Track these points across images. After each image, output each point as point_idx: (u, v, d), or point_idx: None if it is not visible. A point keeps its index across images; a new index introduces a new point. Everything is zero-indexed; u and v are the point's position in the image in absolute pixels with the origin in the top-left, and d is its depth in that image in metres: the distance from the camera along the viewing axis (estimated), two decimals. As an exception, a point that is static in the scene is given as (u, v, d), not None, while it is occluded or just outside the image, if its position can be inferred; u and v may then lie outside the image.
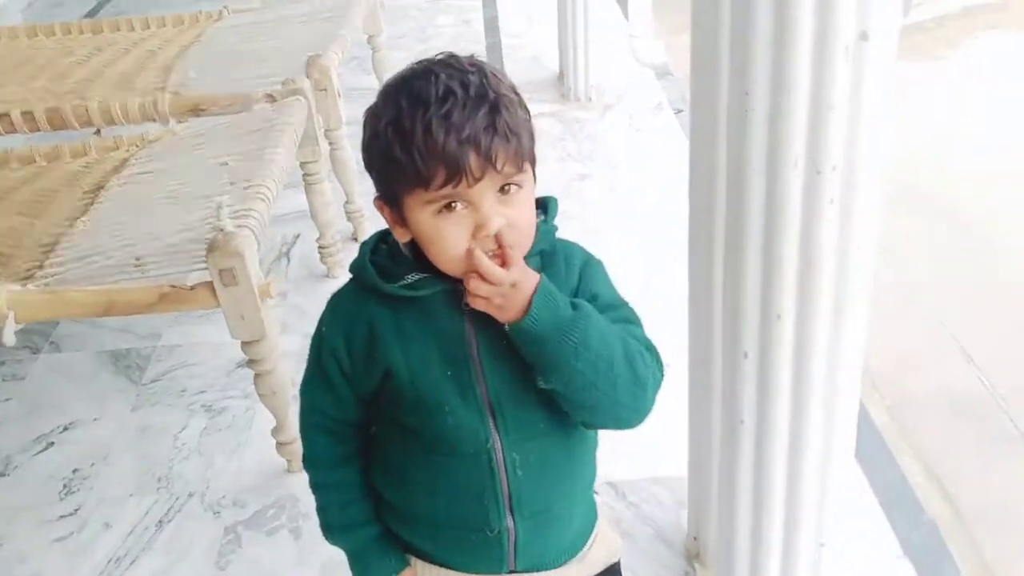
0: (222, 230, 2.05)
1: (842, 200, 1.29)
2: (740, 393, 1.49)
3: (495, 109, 1.04)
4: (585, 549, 1.35)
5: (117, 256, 2.20)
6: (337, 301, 1.22)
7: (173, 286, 2.06)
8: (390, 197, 1.10)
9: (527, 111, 1.13)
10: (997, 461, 2.29)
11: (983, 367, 2.61)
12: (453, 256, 1.07)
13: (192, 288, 2.05)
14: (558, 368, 1.09)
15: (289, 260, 3.24)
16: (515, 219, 1.08)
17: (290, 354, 2.66)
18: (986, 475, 2.25)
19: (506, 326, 1.09)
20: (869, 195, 1.31)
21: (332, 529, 1.32)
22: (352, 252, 3.28)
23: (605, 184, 3.51)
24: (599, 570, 1.38)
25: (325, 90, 2.96)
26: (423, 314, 1.14)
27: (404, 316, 1.15)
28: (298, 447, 2.31)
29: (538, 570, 1.29)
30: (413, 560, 1.32)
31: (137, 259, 2.19)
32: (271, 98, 2.83)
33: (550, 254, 1.18)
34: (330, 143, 3.09)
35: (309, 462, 1.30)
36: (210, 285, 2.04)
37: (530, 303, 1.07)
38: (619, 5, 5.12)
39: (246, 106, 2.82)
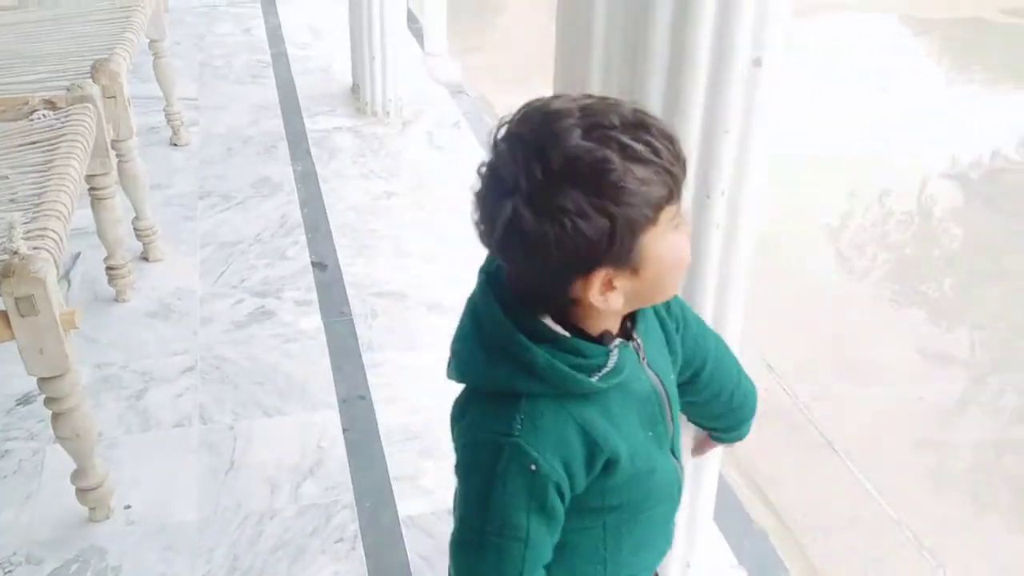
0: (16, 252, 1.81)
1: (727, 225, 1.31)
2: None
3: None
4: None
5: None
6: (533, 425, 0.97)
7: (-44, 317, 1.79)
8: (619, 253, 0.91)
9: None
10: (809, 467, 2.43)
11: (783, 376, 2.77)
12: (683, 269, 1.00)
13: (-19, 319, 1.80)
14: None
15: (70, 283, 2.93)
16: None
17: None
18: (802, 481, 2.38)
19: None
20: (750, 220, 1.33)
21: None
22: (144, 272, 3.08)
23: (413, 203, 3.44)
24: None
25: (114, 97, 2.70)
26: (620, 387, 1.01)
27: (607, 401, 1.01)
28: (105, 492, 2.10)
29: None
30: None
31: (-94, 286, 1.89)
32: (52, 105, 2.56)
33: None
34: (119, 155, 2.83)
35: None
36: (3, 315, 1.80)
37: None
38: (407, 24, 5.07)
39: (22, 113, 2.53)
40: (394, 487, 2.19)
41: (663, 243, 0.93)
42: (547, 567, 1.04)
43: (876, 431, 2.64)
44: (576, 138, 0.87)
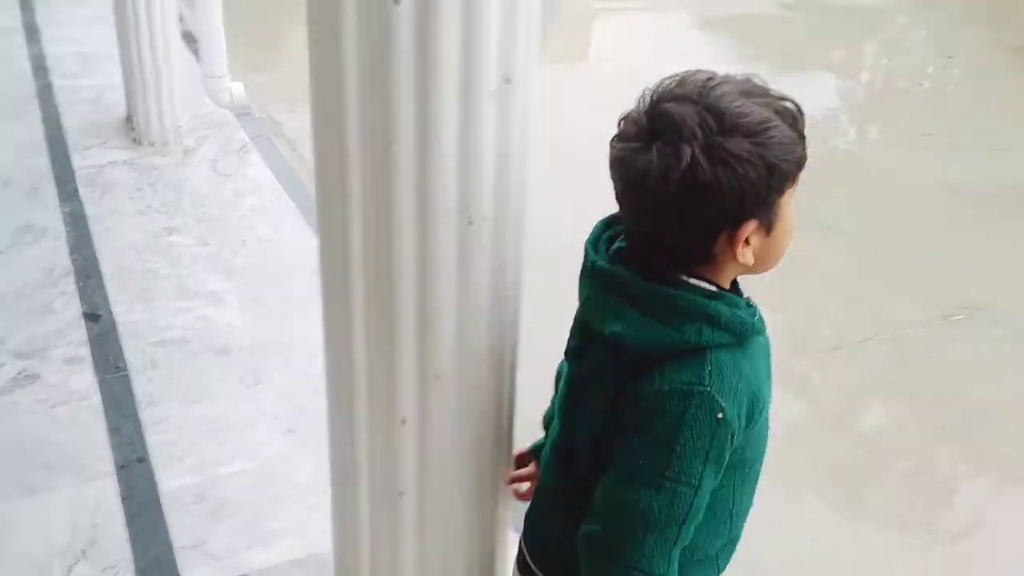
0: None
1: (493, 249, 1.22)
2: (399, 462, 1.36)
3: None
4: None
5: None
6: (720, 375, 1.04)
7: None
8: (768, 203, 1.05)
9: None
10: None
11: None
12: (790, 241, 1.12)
13: None
14: None
15: None
16: None
17: None
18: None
19: None
20: (519, 242, 1.25)
21: None
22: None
23: (197, 238, 3.22)
24: None
25: None
26: (753, 340, 1.10)
27: (753, 352, 1.10)
28: None
29: None
30: None
31: None
32: None
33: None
34: None
35: None
36: None
37: None
38: (186, 44, 4.80)
39: None
40: (178, 558, 2.00)
41: (790, 206, 1.08)
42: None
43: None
44: (740, 98, 1.02)
